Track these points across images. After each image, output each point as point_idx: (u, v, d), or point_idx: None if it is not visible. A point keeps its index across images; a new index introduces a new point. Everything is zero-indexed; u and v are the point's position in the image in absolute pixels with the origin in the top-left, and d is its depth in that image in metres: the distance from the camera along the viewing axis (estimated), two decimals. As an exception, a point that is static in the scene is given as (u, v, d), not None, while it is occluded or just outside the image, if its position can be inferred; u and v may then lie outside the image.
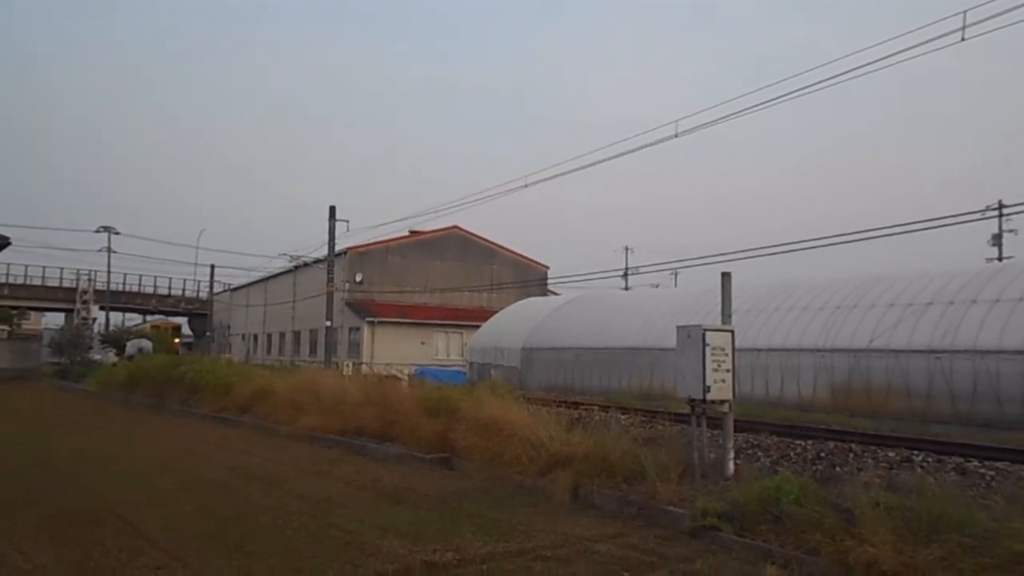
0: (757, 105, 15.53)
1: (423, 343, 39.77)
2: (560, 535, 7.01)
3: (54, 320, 66.44)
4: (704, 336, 8.61)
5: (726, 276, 9.51)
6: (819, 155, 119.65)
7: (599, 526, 7.39)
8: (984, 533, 5.36)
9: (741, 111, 15.97)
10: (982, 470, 8.39)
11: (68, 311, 58.50)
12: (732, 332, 8.89)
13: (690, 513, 7.12)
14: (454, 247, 45.93)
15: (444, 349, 41.02)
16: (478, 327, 34.21)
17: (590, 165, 21.73)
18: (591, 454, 9.01)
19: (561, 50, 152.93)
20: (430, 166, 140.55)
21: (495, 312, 35.41)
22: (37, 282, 59.98)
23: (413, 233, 42.59)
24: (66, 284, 59.80)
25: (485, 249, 47.14)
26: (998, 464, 8.56)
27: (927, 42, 12.42)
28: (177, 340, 58.95)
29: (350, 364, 28.93)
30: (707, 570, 5.93)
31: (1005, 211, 33.18)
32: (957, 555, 5.21)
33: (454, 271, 45.01)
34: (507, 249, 48.00)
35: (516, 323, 30.50)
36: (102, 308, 55.72)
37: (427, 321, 40.69)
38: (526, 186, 22.66)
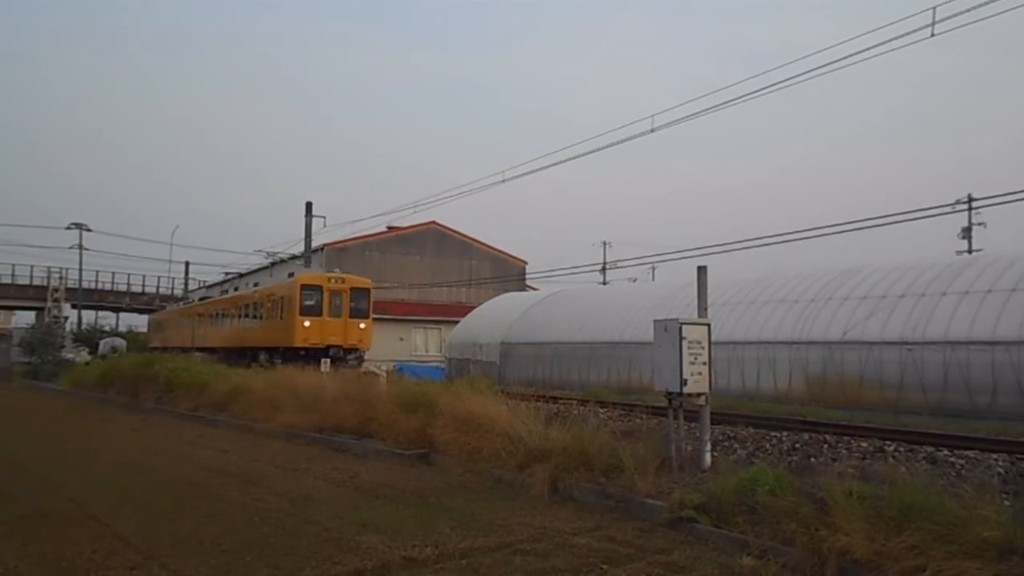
0: (732, 100, 15.64)
1: (401, 339, 39.66)
2: (539, 529, 7.04)
3: (25, 319, 65.47)
4: (681, 330, 8.66)
5: (702, 270, 9.58)
6: (816, 149, 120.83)
7: (578, 519, 7.42)
8: (954, 520, 5.45)
9: (717, 105, 16.07)
10: (952, 459, 8.54)
11: (39, 310, 57.56)
12: (708, 325, 8.95)
13: (668, 505, 7.18)
14: (432, 242, 45.82)
15: (423, 345, 40.95)
16: (457, 323, 34.16)
17: (569, 159, 21.81)
18: (570, 448, 9.03)
19: (545, 46, 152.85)
20: (408, 161, 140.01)
21: (474, 307, 35.39)
22: (7, 280, 58.90)
23: (391, 228, 42.42)
24: (37, 282, 58.84)
25: (463, 244, 47.06)
26: (968, 453, 8.72)
27: (900, 36, 12.59)
28: (363, 326, 26.06)
29: (327, 361, 28.72)
30: (684, 561, 5.99)
31: (974, 204, 33.77)
32: (928, 542, 5.29)
33: (432, 266, 44.90)
34: (485, 244, 47.96)
35: (495, 318, 30.48)
36: (74, 306, 54.93)
37: (405, 317, 40.56)
38: (504, 181, 22.65)
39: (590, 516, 7.57)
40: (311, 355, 23.27)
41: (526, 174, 29.12)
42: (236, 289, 39.45)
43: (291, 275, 29.62)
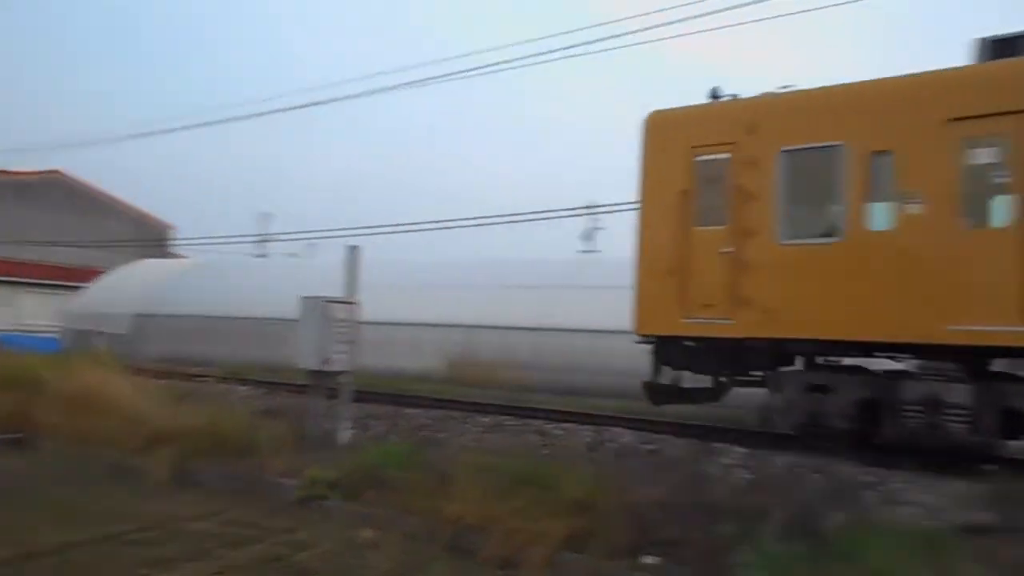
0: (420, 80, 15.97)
1: (8, 306, 33.76)
2: (153, 517, 6.54)
3: None
4: (326, 308, 8.66)
5: (354, 249, 9.68)
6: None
7: (199, 504, 7.07)
8: (552, 484, 6.25)
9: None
10: (556, 431, 9.78)
11: None
12: (356, 304, 9.07)
13: (300, 484, 7.15)
14: (57, 195, 39.44)
15: (37, 313, 35.18)
16: (84, 289, 30.07)
17: (232, 119, 20.24)
18: (202, 428, 8.56)
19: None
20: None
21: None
22: None
23: (2, 172, 35.72)
24: None
25: (98, 201, 41.32)
26: (566, 425, 10.06)
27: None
28: None
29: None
30: (308, 539, 6.04)
31: (595, 210, 39.01)
32: (531, 505, 6.01)
33: (58, 223, 38.59)
34: (127, 204, 42.69)
35: (129, 286, 27.48)
36: None
37: (10, 278, 34.49)
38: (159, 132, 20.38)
39: (215, 500, 7.25)
40: None
41: (176, 129, 26.69)
42: None
43: None
